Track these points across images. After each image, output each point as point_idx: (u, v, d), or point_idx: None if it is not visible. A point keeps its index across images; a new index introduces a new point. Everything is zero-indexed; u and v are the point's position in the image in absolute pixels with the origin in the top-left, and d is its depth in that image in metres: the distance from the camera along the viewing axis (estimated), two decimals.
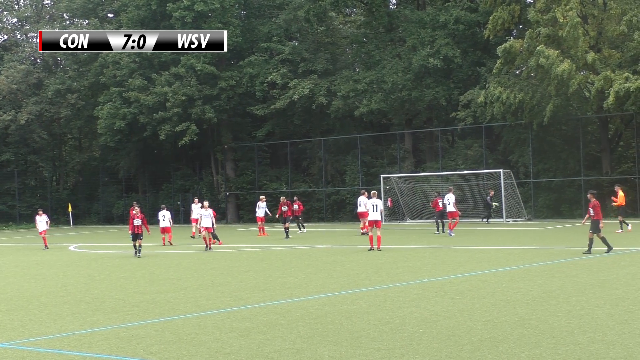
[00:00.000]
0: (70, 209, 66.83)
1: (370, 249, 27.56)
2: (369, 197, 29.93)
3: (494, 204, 45.27)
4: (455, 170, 52.44)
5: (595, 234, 23.65)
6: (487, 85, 49.34)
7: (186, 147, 62.24)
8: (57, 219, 70.90)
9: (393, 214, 51.72)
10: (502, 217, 46.43)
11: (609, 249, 23.64)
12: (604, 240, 23.72)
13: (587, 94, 46.88)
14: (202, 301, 16.22)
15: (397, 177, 53.17)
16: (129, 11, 62.12)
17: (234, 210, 62.78)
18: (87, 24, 70.27)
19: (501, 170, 47.69)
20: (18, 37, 76.06)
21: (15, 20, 76.92)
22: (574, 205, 47.83)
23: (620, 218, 33.77)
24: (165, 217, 36.06)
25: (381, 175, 52.75)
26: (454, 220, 35.92)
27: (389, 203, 50.37)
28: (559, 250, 25.35)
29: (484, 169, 50.17)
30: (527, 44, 45.18)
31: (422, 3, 57.94)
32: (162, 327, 13.13)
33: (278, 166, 64.90)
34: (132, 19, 61.34)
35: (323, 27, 61.42)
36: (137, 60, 60.79)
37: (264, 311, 14.48)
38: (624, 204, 34.29)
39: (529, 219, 46.49)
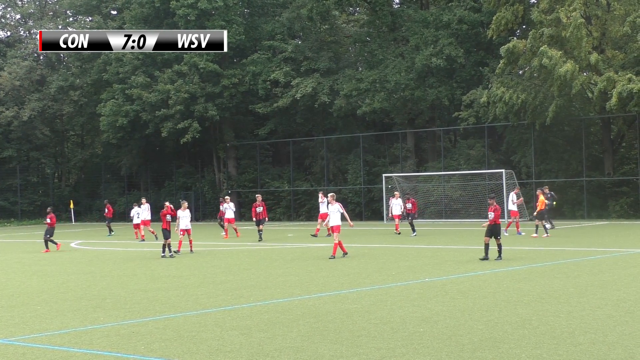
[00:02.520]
0: (72, 206, 66.81)
1: (332, 257, 24.90)
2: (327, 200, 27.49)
3: (554, 203, 42.90)
4: (458, 170, 52.42)
5: (490, 239, 22.74)
6: (490, 85, 49.33)
7: (188, 144, 62.30)
8: (59, 216, 70.87)
9: None
10: (503, 217, 46.38)
11: (498, 257, 22.77)
12: (499, 246, 22.87)
13: (590, 94, 46.83)
14: (203, 299, 16.23)
15: (399, 176, 53.14)
16: (132, 9, 62.16)
17: (236, 208, 62.73)
18: (90, 21, 70.30)
19: (503, 170, 47.65)
20: (21, 33, 76.07)
21: (18, 16, 76.95)
22: (576, 206, 47.81)
23: (537, 222, 33.22)
24: (139, 214, 38.37)
25: (383, 175, 52.76)
26: (514, 220, 34.94)
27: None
28: (560, 251, 25.34)
29: (486, 169, 50.14)
30: (530, 44, 45.18)
31: (426, 3, 57.86)
32: (163, 325, 13.14)
33: (280, 164, 64.91)
34: (135, 17, 61.39)
35: (326, 26, 61.38)
36: (140, 58, 60.80)
37: (264, 309, 14.49)
38: (543, 208, 33.45)
39: (530, 219, 46.43)
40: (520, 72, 49.62)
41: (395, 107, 54.95)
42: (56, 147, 75.42)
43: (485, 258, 22.67)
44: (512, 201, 35.28)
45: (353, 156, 58.35)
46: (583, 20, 43.74)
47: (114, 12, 70.01)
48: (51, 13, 74.38)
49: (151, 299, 16.42)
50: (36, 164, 74.15)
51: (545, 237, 31.87)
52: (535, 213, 33.74)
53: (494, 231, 22.83)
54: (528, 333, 11.52)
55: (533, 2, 50.27)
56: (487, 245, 22.82)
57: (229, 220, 38.28)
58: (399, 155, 56.14)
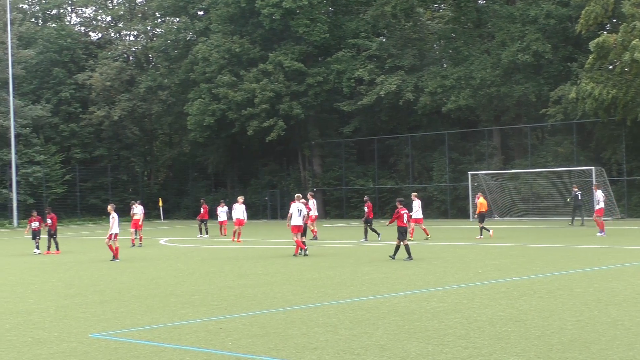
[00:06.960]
0: (161, 204, 68.14)
1: (295, 255, 26.17)
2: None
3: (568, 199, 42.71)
4: (545, 167, 51.54)
5: (402, 241, 23.56)
6: (578, 81, 48.35)
7: (274, 143, 62.84)
8: (149, 213, 72.36)
9: None
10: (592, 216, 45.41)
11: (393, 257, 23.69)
12: (404, 247, 23.51)
13: None
14: (289, 296, 16.34)
15: (485, 174, 52.55)
16: (218, 8, 63.03)
17: (321, 206, 62.98)
18: (177, 21, 71.64)
19: (593, 167, 46.66)
20: (112, 35, 78.07)
21: (109, 18, 78.98)
22: None
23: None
24: (223, 212, 40.06)
25: (469, 172, 52.25)
26: (599, 218, 33.29)
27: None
28: None
29: (574, 166, 49.17)
30: (621, 39, 44.08)
31: None
32: (250, 321, 13.28)
33: (364, 162, 64.91)
34: (221, 16, 62.26)
35: (410, 23, 61.09)
36: (226, 57, 61.59)
37: (350, 307, 14.51)
38: (483, 210, 33.43)
39: (622, 218, 45.37)
40: (611, 67, 48.44)
41: (481, 104, 54.38)
42: (145, 146, 77.08)
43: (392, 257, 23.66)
44: (599, 199, 33.90)
45: (438, 154, 57.94)
46: None
47: (201, 13, 71.13)
48: (140, 14, 76.04)
49: (238, 296, 16.61)
50: (126, 163, 75.89)
51: (478, 239, 31.97)
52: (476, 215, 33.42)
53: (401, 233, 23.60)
54: (620, 334, 11.25)
55: None
56: (397, 247, 23.70)
57: (240, 222, 35.56)
58: (484, 152, 55.49)
